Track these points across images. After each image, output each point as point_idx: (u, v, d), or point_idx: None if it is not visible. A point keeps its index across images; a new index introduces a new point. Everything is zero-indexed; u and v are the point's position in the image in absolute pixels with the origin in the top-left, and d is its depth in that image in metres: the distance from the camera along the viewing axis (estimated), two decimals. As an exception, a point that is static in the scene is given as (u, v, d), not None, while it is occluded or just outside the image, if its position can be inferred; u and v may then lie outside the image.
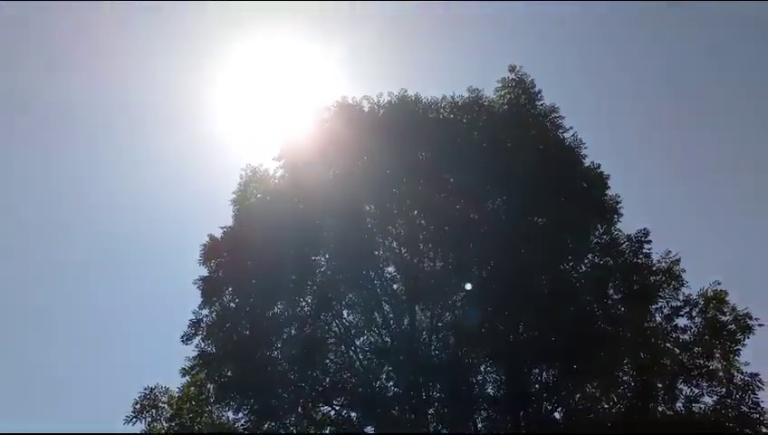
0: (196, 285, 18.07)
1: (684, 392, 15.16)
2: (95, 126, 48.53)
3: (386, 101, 19.58)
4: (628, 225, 17.55)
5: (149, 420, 16.43)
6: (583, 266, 17.17)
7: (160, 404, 16.71)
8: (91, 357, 43.09)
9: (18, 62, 42.67)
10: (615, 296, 16.38)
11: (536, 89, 19.62)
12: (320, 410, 17.08)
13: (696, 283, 16.18)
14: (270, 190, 19.20)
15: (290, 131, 20.06)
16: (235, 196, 19.58)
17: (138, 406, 16.46)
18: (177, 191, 47.70)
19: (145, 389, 16.74)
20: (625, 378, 15.62)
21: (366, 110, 19.64)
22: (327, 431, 16.66)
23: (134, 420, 16.29)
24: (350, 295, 18.01)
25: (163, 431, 16.29)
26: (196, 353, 17.10)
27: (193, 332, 17.43)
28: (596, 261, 17.03)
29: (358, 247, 17.46)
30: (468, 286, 16.74)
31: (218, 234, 18.92)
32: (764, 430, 14.43)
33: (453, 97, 19.61)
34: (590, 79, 49.72)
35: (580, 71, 49.43)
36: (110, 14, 39.27)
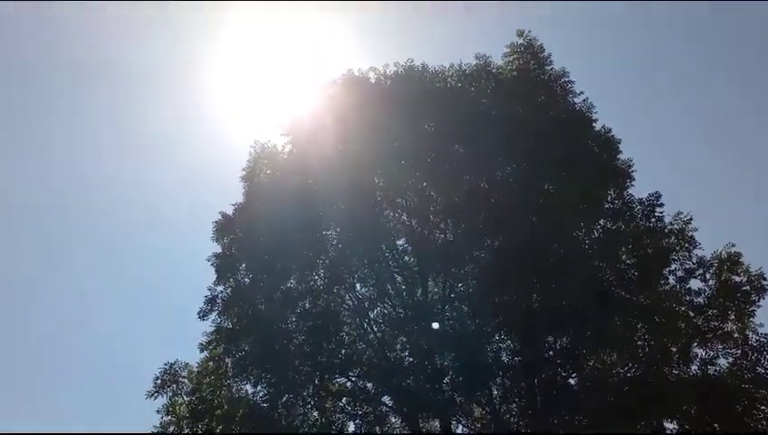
0: (210, 262, 18.31)
1: (699, 355, 15.06)
2: (100, 98, 48.77)
3: (392, 71, 19.42)
4: (640, 188, 17.42)
5: (171, 394, 16.78)
6: (595, 232, 17.06)
7: (180, 379, 17.03)
8: (110, 335, 44.08)
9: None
10: (628, 261, 16.27)
11: (545, 53, 19.35)
12: (336, 382, 17.32)
13: (710, 245, 16.04)
14: (279, 166, 19.24)
15: (297, 106, 20.01)
16: (244, 172, 19.67)
17: (159, 381, 16.79)
18: (187, 168, 48.00)
19: (165, 364, 17.04)
20: (639, 342, 15.55)
21: (372, 81, 19.50)
22: (343, 402, 16.95)
23: (155, 394, 16.66)
24: (363, 269, 18.10)
25: (184, 405, 16.64)
26: (213, 329, 17.38)
27: (209, 308, 17.68)
28: (608, 226, 16.90)
29: (368, 221, 17.48)
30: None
31: (230, 211, 19.11)
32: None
33: (460, 65, 19.38)
34: (600, 42, 48.76)
35: (588, 33, 48.50)
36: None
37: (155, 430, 16.28)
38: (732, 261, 15.44)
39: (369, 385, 17.15)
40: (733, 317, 15.11)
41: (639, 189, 17.38)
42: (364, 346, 17.56)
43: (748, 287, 15.13)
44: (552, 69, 19.07)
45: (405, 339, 17.36)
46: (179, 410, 16.51)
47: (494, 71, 19.27)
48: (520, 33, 19.53)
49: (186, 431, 16.22)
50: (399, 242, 18.75)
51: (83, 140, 47.19)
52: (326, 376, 16.93)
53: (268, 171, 19.39)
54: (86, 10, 39.97)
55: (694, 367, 14.98)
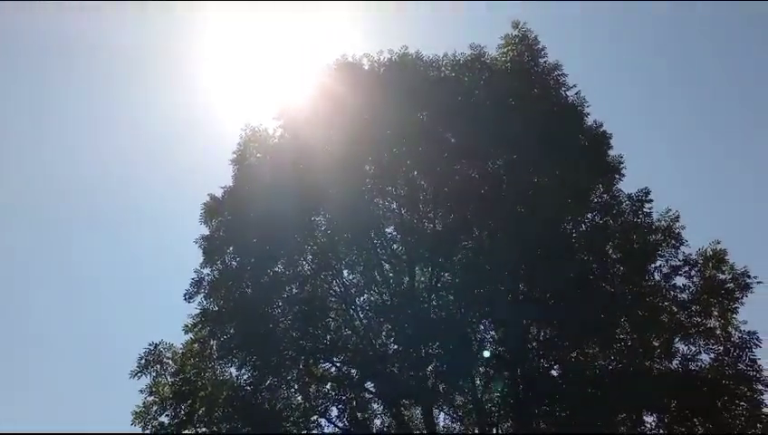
0: (198, 244, 18.28)
1: (681, 350, 15.18)
2: (93, 82, 48.44)
3: (386, 59, 19.32)
4: (630, 184, 17.47)
5: (154, 374, 16.80)
6: (583, 226, 17.10)
7: (165, 360, 17.06)
8: (96, 316, 44.06)
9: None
10: (614, 256, 16.33)
11: (540, 45, 19.30)
12: (320, 367, 17.42)
13: (696, 241, 16.12)
14: (269, 150, 19.18)
15: (289, 90, 19.92)
16: (234, 155, 19.58)
17: (143, 361, 16.81)
18: (177, 151, 47.85)
19: (150, 345, 17.08)
20: (622, 336, 15.65)
21: (366, 68, 19.42)
22: (327, 388, 16.98)
23: (139, 374, 16.67)
24: (351, 255, 18.09)
25: (168, 386, 16.64)
26: (198, 311, 17.36)
27: (195, 290, 17.70)
28: (596, 220, 16.95)
29: (357, 208, 17.45)
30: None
31: (219, 193, 19.03)
32: (761, 387, 14.50)
33: (454, 55, 19.30)
34: (593, 37, 48.80)
35: (582, 29, 48.53)
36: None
37: (137, 410, 16.26)
38: (717, 258, 15.56)
39: (353, 371, 17.18)
40: (716, 314, 15.23)
41: (629, 184, 17.48)
42: (350, 332, 17.60)
43: (732, 285, 15.24)
44: (545, 61, 19.04)
45: (390, 326, 17.36)
46: (162, 390, 16.54)
47: (488, 61, 19.20)
48: (515, 25, 19.48)
49: (169, 412, 16.24)
50: (388, 230, 18.76)
51: (74, 130, 46.97)
52: (311, 361, 17.01)
53: (258, 155, 19.33)
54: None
55: (675, 362, 15.10)
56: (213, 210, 18.72)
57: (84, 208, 47.92)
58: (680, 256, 15.95)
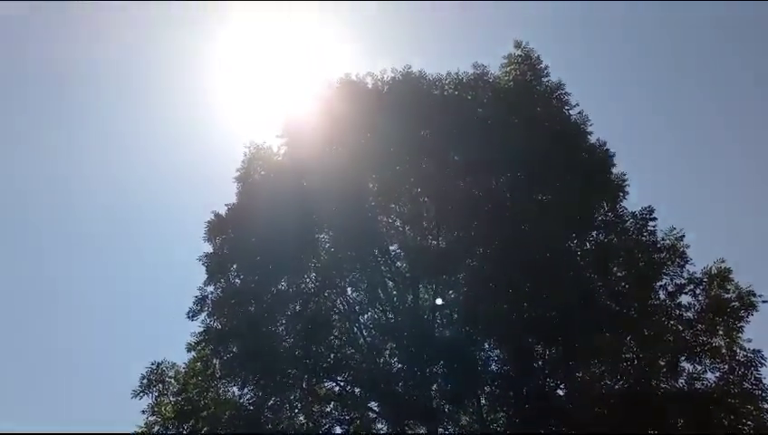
0: (201, 262, 18.21)
1: (687, 369, 15.10)
2: (97, 101, 48.51)
3: (390, 77, 19.51)
4: (634, 203, 17.54)
5: (156, 394, 16.64)
6: (588, 244, 17.12)
7: (167, 379, 16.92)
8: (98, 334, 43.71)
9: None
10: (619, 274, 16.33)
11: (542, 65, 19.53)
12: (324, 386, 17.27)
13: (700, 260, 16.13)
14: (273, 167, 19.22)
15: (293, 108, 20.03)
16: (238, 173, 19.61)
17: (145, 381, 16.67)
18: (181, 167, 47.83)
19: (152, 364, 16.95)
20: (628, 355, 15.60)
21: (369, 86, 19.58)
22: (331, 407, 16.84)
23: (141, 394, 16.51)
24: (354, 273, 18.05)
25: (170, 406, 16.48)
26: (201, 329, 17.26)
27: (198, 308, 17.61)
28: (600, 239, 16.97)
29: (361, 225, 17.45)
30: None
31: (223, 211, 19.02)
32: (766, 405, 14.46)
33: (457, 74, 19.50)
34: (596, 55, 49.15)
35: (586, 47, 48.90)
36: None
37: (139, 431, 16.09)
38: (721, 277, 15.53)
39: (356, 390, 17.05)
40: (721, 333, 15.16)
41: (633, 202, 17.55)
42: (353, 351, 17.51)
43: (737, 303, 15.20)
44: (548, 80, 19.23)
45: (394, 345, 17.29)
46: (165, 410, 16.38)
47: (491, 80, 19.41)
48: (517, 45, 19.71)
49: (171, 432, 16.07)
50: (392, 247, 18.74)
51: (77, 140, 46.95)
52: (314, 380, 16.86)
53: (262, 172, 19.38)
54: (82, 11, 39.74)
55: (681, 381, 15.03)
56: (217, 228, 18.68)
57: (83, 216, 47.69)
58: (685, 275, 15.96)
